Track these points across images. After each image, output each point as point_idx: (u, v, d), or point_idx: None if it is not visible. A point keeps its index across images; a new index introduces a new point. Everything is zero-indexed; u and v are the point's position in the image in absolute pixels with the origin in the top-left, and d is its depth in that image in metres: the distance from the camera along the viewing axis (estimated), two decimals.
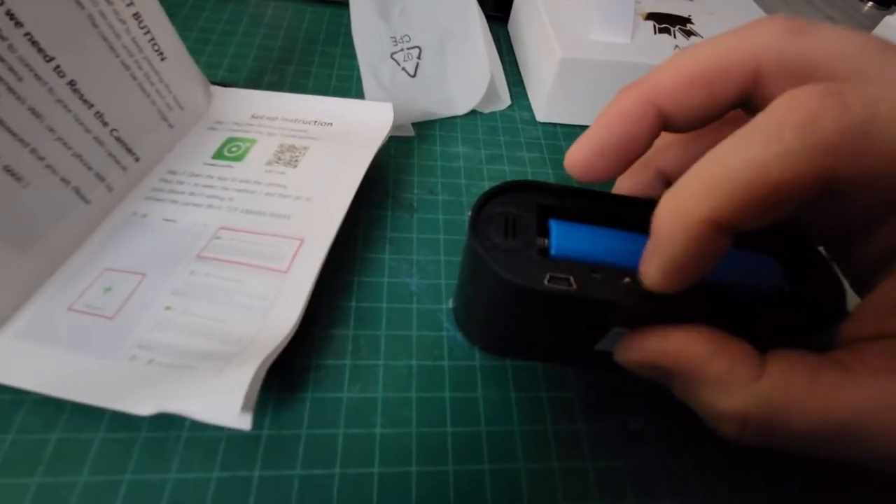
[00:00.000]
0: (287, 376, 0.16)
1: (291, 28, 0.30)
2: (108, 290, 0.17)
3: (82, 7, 0.17)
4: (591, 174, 0.13)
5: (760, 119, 0.09)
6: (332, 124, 0.23)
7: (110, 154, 0.19)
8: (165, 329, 0.16)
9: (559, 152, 0.26)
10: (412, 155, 0.24)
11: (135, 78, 0.19)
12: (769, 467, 0.16)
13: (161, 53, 0.20)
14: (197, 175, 0.20)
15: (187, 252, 0.18)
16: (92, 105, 0.18)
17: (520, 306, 0.13)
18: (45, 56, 0.16)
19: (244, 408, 0.13)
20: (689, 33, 0.28)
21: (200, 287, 0.17)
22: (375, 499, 0.14)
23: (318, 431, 0.15)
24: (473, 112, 0.27)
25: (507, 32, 0.33)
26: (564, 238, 0.13)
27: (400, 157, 0.24)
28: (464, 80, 0.27)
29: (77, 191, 0.18)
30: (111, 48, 0.18)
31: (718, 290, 0.12)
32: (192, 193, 0.20)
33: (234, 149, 0.22)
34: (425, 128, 0.26)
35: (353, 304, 0.19)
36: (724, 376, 0.11)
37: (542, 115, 0.27)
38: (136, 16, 0.19)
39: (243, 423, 0.13)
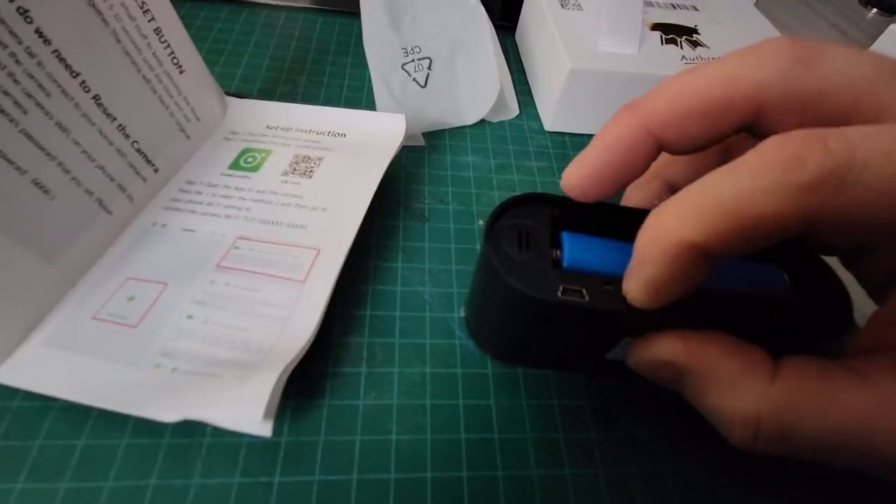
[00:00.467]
0: (305, 384, 0.17)
1: (303, 38, 0.31)
2: (130, 299, 0.17)
3: (107, 23, 0.18)
4: (586, 195, 0.13)
5: (749, 156, 0.10)
6: (345, 135, 0.23)
7: (131, 165, 0.19)
8: (188, 338, 0.16)
9: (567, 161, 0.26)
10: (423, 164, 0.25)
11: (155, 91, 0.20)
12: (776, 473, 0.17)
13: (180, 67, 0.21)
14: (214, 185, 0.21)
15: (207, 262, 0.18)
16: (115, 118, 0.18)
17: (533, 317, 0.14)
18: (72, 72, 0.17)
19: (266, 415, 0.13)
20: (695, 44, 0.28)
21: (220, 296, 0.17)
22: None
23: (336, 438, 0.16)
24: (482, 121, 0.27)
25: (515, 41, 0.34)
26: (577, 250, 0.13)
27: (411, 167, 0.25)
28: (474, 90, 0.27)
29: (100, 202, 0.18)
30: (133, 63, 0.19)
31: (728, 300, 0.13)
32: (209, 204, 0.20)
33: (249, 159, 0.22)
34: (435, 137, 0.26)
35: (368, 312, 0.19)
36: (738, 376, 0.11)
37: (550, 124, 0.28)
38: (158, 31, 0.19)
39: (265, 430, 0.13)
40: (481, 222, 0.23)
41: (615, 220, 0.14)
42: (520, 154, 0.26)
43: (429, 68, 0.27)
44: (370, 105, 0.27)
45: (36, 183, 0.16)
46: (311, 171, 0.21)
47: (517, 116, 0.28)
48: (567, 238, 0.13)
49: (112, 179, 0.19)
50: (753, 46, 0.12)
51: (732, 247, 0.10)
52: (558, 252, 0.13)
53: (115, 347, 0.16)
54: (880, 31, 0.29)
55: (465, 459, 0.16)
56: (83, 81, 0.17)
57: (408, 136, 0.24)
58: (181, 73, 0.21)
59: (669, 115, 0.12)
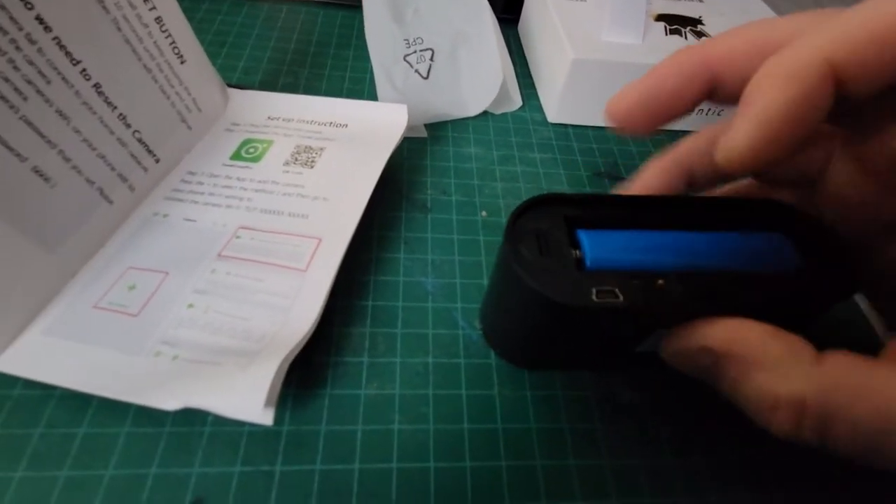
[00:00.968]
0: (306, 373, 0.17)
1: (304, 31, 0.31)
2: (131, 288, 0.17)
3: (108, 11, 0.18)
4: (628, 122, 0.13)
5: None
6: (347, 126, 0.23)
7: (132, 155, 0.19)
8: (189, 326, 0.16)
9: (571, 153, 0.26)
10: (425, 156, 0.25)
11: (156, 81, 0.20)
12: (783, 466, 0.16)
13: (181, 56, 0.21)
14: (216, 176, 0.21)
15: (208, 251, 0.18)
16: (116, 107, 0.18)
17: (566, 324, 0.14)
18: (73, 59, 0.17)
19: (267, 404, 0.13)
20: (700, 34, 0.28)
21: (222, 285, 0.17)
22: (394, 494, 0.15)
23: (337, 427, 0.16)
24: (485, 113, 0.27)
25: (518, 33, 0.34)
26: (597, 249, 0.13)
27: (413, 159, 0.24)
28: (476, 81, 0.27)
29: (101, 191, 0.18)
30: (134, 51, 0.19)
31: (741, 274, 0.13)
32: (211, 194, 0.20)
33: (251, 150, 0.22)
34: (437, 129, 0.26)
35: (370, 302, 0.19)
36: (783, 358, 0.11)
37: (553, 115, 0.28)
38: (159, 20, 0.19)
39: (266, 418, 0.13)
40: (484, 213, 0.23)
41: (627, 211, 0.14)
42: (522, 146, 0.26)
43: (431, 60, 0.27)
44: (372, 97, 0.27)
45: (36, 171, 0.16)
46: (312, 162, 0.21)
47: (520, 108, 0.28)
48: (585, 237, 0.13)
49: (113, 169, 0.18)
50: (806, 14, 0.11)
51: (870, 74, 0.09)
52: (578, 252, 0.13)
53: (116, 336, 0.16)
54: None
55: (469, 450, 0.16)
56: (84, 69, 0.17)
57: (410, 128, 0.24)
58: (182, 63, 0.21)
59: (730, 53, 0.12)
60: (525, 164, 0.25)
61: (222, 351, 0.15)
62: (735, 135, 0.10)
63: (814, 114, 0.10)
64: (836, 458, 0.11)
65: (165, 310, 0.16)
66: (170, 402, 0.14)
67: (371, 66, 0.28)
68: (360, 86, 0.28)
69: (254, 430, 0.15)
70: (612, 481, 0.16)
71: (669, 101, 0.12)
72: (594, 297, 0.12)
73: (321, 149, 0.22)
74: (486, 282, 0.20)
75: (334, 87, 0.28)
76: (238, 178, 0.21)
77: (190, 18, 0.30)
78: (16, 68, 0.15)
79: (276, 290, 0.17)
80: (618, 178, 0.25)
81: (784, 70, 0.10)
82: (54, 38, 0.16)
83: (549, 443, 0.16)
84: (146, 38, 0.19)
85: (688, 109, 0.13)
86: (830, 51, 0.09)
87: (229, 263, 0.18)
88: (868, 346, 0.11)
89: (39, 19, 0.15)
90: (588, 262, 0.13)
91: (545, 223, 0.14)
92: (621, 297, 0.12)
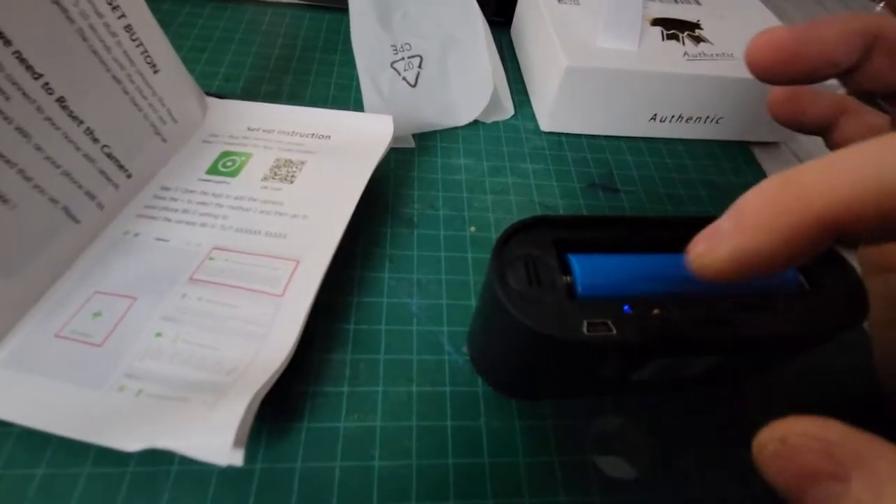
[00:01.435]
0: (282, 404, 0.16)
1: (289, 35, 0.30)
2: (96, 315, 0.16)
3: (72, 21, 0.17)
4: (775, 59, 0.12)
5: None
6: (330, 137, 0.22)
7: (101, 171, 0.18)
8: (156, 357, 0.15)
9: (564, 163, 0.25)
10: (412, 168, 0.24)
11: (126, 92, 0.19)
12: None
13: (154, 66, 0.20)
14: (191, 191, 0.20)
15: (179, 274, 0.17)
16: (82, 122, 0.17)
17: (557, 356, 0.13)
18: (34, 73, 0.16)
19: (236, 444, 0.12)
20: (698, 39, 0.27)
21: (192, 312, 0.16)
22: None
23: (314, 464, 0.15)
24: (476, 122, 0.26)
25: (510, 38, 0.33)
26: (588, 275, 0.12)
27: (399, 170, 0.24)
28: (466, 89, 0.26)
29: (66, 210, 0.17)
30: (102, 62, 0.18)
31: (744, 299, 0.12)
32: (185, 211, 0.19)
33: (229, 163, 0.21)
34: (426, 139, 0.25)
35: (352, 326, 0.18)
36: None
37: (546, 124, 0.27)
38: (128, 28, 0.18)
39: (235, 458, 0.12)
40: (473, 228, 0.22)
41: (618, 233, 0.14)
42: (514, 156, 0.25)
43: (419, 66, 0.26)
44: (358, 105, 0.26)
45: None
46: (292, 176, 0.20)
47: (512, 117, 0.27)
48: (576, 262, 0.13)
49: (80, 186, 0.17)
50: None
51: (873, 231, 0.08)
52: (569, 278, 0.12)
53: (78, 368, 0.15)
54: None
55: (453, 487, 0.15)
56: (46, 83, 0.16)
57: (396, 138, 0.23)
58: (155, 72, 0.20)
59: None
60: (516, 175, 0.24)
61: (190, 385, 0.14)
62: (715, 249, 0.09)
63: (805, 254, 0.09)
64: None
65: (131, 339, 0.15)
66: (132, 443, 0.13)
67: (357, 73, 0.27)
68: (347, 93, 0.27)
69: (225, 470, 0.14)
70: None
71: (826, 51, 0.12)
72: (585, 331, 0.11)
73: (302, 162, 0.21)
74: (473, 303, 0.19)
75: (319, 95, 0.27)
76: (214, 195, 0.20)
77: (170, 23, 0.29)
78: None
79: (251, 317, 0.16)
80: (613, 189, 0.24)
81: (782, 217, 0.09)
82: (14, 52, 0.15)
83: (538, 478, 0.15)
84: (115, 47, 0.18)
85: (845, 67, 0.12)
86: (837, 208, 0.08)
87: (201, 288, 0.17)
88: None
89: None
90: (579, 290, 0.12)
91: (534, 248, 0.13)
92: (614, 331, 0.11)
